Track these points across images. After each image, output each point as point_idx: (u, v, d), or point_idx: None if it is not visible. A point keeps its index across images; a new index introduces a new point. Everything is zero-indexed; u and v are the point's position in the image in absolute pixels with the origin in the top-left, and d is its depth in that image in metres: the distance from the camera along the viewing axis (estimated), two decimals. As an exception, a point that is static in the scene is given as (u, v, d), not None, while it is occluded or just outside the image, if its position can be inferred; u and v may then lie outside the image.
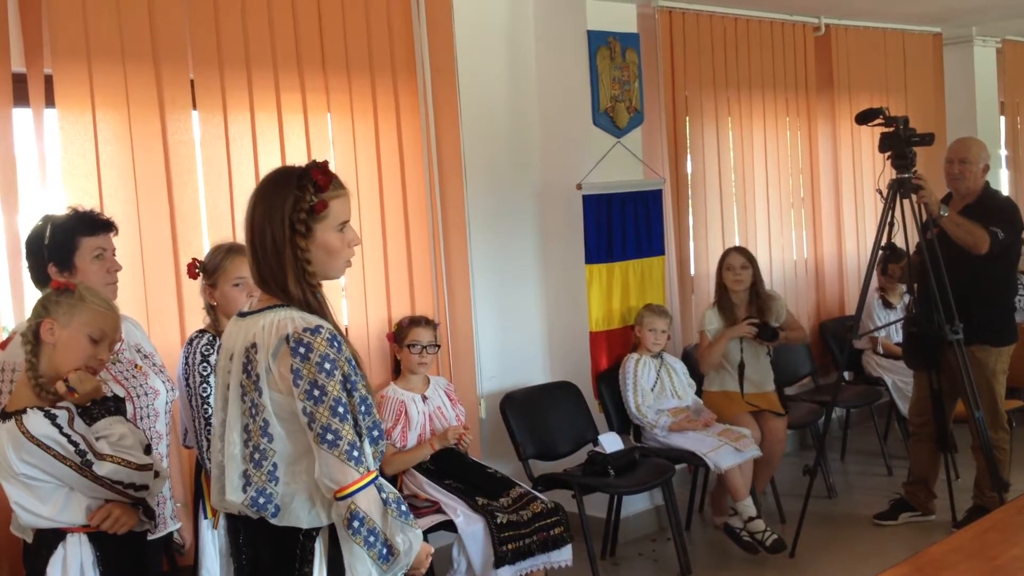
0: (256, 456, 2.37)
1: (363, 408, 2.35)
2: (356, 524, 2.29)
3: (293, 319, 2.34)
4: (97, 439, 2.76)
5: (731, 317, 5.47)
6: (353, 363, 2.38)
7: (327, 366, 2.29)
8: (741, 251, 5.62)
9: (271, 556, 2.45)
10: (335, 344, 2.32)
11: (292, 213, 2.36)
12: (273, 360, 2.32)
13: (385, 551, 2.33)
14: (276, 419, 2.35)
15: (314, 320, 2.35)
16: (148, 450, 2.86)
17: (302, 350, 2.29)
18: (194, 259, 3.63)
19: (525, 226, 5.56)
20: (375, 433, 2.43)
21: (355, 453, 2.29)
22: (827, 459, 6.04)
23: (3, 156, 3.76)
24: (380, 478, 2.37)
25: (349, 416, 2.30)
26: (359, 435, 2.32)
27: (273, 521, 2.40)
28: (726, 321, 5.47)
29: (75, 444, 2.71)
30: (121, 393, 3.08)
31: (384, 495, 2.35)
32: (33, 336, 2.80)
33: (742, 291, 5.50)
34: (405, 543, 2.36)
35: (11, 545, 3.41)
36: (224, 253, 3.56)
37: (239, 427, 2.40)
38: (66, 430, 2.72)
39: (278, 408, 2.34)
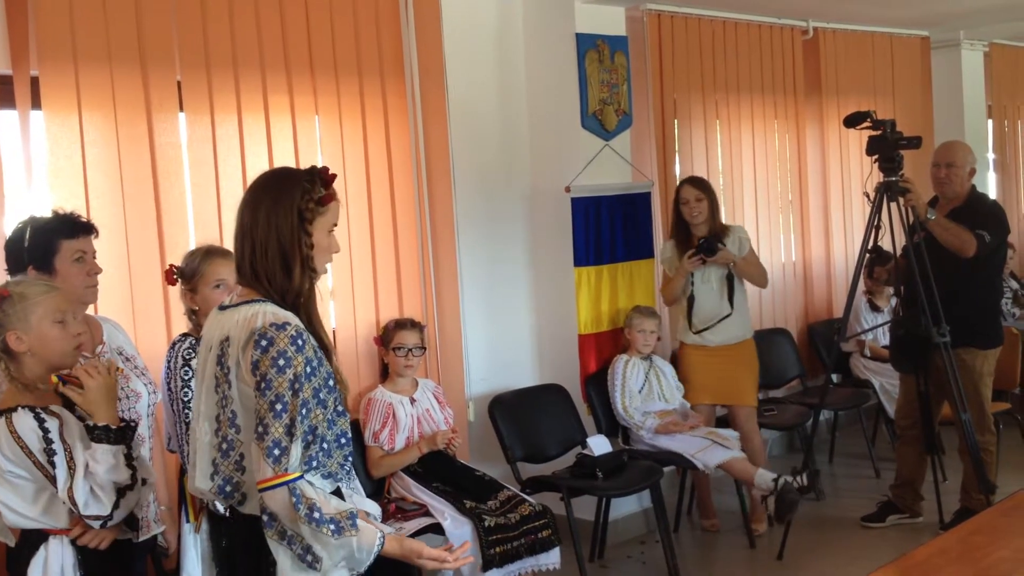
0: (224, 446, 2.45)
1: (304, 412, 2.36)
2: (266, 518, 2.36)
3: (265, 313, 2.40)
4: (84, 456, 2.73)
5: (685, 249, 5.36)
6: (315, 364, 2.40)
7: (280, 362, 2.34)
8: (695, 183, 5.44)
9: (242, 547, 2.51)
10: (296, 343, 2.36)
11: (301, 201, 2.43)
12: (242, 353, 2.39)
13: (305, 554, 2.34)
14: (243, 410, 2.41)
15: (283, 316, 2.40)
16: (127, 489, 2.78)
17: (264, 343, 2.35)
18: (171, 265, 3.60)
19: (514, 228, 5.56)
20: (332, 432, 2.46)
21: (275, 452, 2.33)
22: (815, 461, 6.05)
23: (-11, 158, 3.75)
24: (299, 483, 2.35)
25: (285, 415, 2.34)
26: (291, 436, 2.35)
27: (240, 509, 2.48)
28: (680, 253, 5.37)
29: (52, 453, 2.69)
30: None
31: (295, 499, 2.33)
32: (4, 352, 2.76)
33: (701, 224, 5.36)
34: (328, 554, 2.35)
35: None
36: (201, 257, 3.53)
37: (211, 417, 2.48)
38: (51, 435, 2.70)
39: (245, 399, 2.41)
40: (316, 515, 2.34)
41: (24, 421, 2.70)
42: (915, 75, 8.01)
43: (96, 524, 2.72)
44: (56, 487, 2.69)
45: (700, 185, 5.42)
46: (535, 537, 4.28)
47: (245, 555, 2.51)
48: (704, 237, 5.28)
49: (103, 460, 2.71)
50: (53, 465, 2.68)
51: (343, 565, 2.41)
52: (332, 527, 2.34)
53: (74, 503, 2.67)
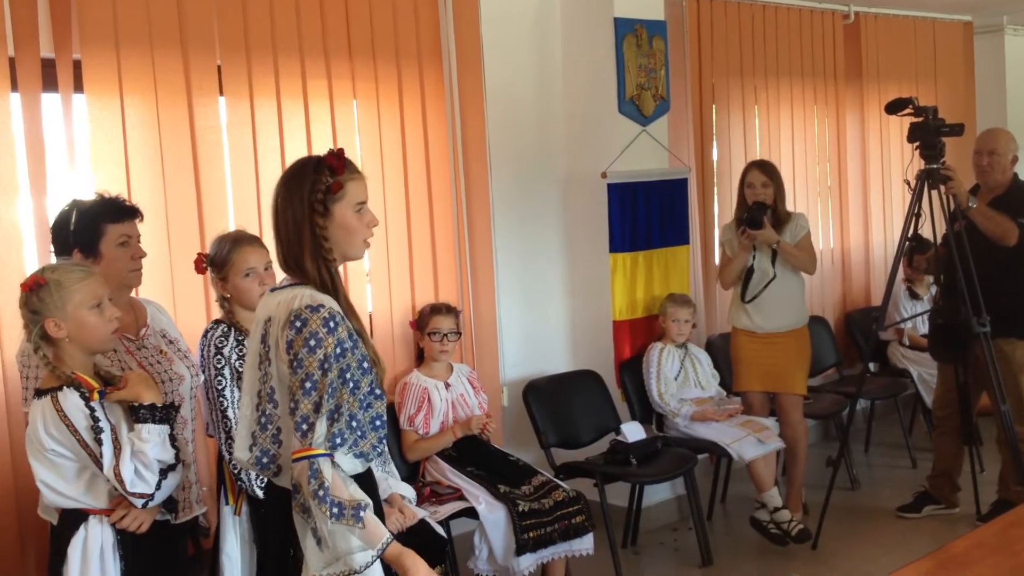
0: (262, 420, 2.59)
1: (331, 390, 2.48)
2: (292, 489, 2.49)
3: (303, 296, 2.53)
4: (129, 437, 2.76)
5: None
6: (346, 345, 2.52)
7: (312, 343, 2.47)
8: (763, 167, 5.32)
9: (276, 517, 2.64)
10: (329, 325, 2.49)
11: (310, 194, 2.56)
12: (281, 332, 2.52)
13: (315, 531, 2.44)
14: (280, 386, 2.55)
15: (319, 299, 2.53)
16: (171, 469, 2.82)
17: (298, 324, 2.48)
18: (200, 253, 3.62)
19: (549, 214, 5.55)
20: (367, 414, 2.57)
21: (303, 427, 2.47)
22: (851, 451, 6.02)
23: (32, 141, 3.78)
24: (320, 460, 2.45)
25: (314, 393, 2.47)
26: (317, 412, 2.47)
27: (275, 480, 2.64)
28: (738, 237, 5.28)
29: (99, 431, 2.72)
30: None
31: (311, 472, 2.43)
32: (44, 340, 2.79)
33: None
34: (332, 538, 2.42)
35: (38, 529, 3.45)
36: (230, 245, 3.52)
37: (253, 392, 2.62)
38: (97, 412, 2.74)
39: (282, 376, 2.54)
40: (321, 493, 2.43)
41: (70, 399, 2.73)
42: (957, 61, 7.90)
43: (139, 503, 2.75)
44: (100, 466, 2.72)
45: (767, 171, 5.28)
46: (568, 523, 4.29)
47: (277, 525, 2.65)
48: (750, 207, 5.20)
49: (149, 439, 2.75)
50: (100, 443, 2.71)
51: (361, 550, 2.46)
52: (334, 510, 2.42)
53: (120, 480, 2.71)
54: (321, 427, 2.47)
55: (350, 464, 2.58)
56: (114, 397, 2.82)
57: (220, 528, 3.44)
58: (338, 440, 2.51)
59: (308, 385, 2.47)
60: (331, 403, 2.49)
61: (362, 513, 2.45)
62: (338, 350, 2.50)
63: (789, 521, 5.04)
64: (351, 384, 2.53)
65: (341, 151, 2.63)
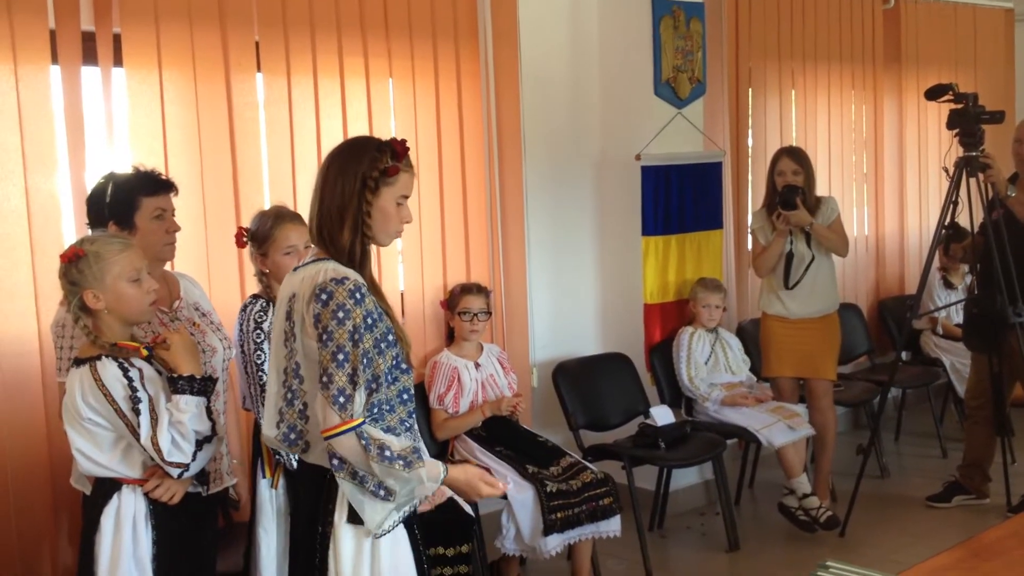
0: (289, 396, 2.60)
1: (365, 361, 2.49)
2: (335, 463, 2.50)
3: (326, 270, 2.53)
4: (167, 408, 2.79)
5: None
6: (375, 316, 2.53)
7: (340, 315, 2.46)
8: (793, 155, 5.27)
9: (306, 495, 2.68)
10: (355, 296, 2.49)
11: (367, 169, 2.57)
12: (306, 308, 2.52)
13: (378, 489, 2.51)
14: (306, 362, 2.55)
15: (343, 272, 2.53)
16: (206, 441, 2.84)
17: (324, 296, 2.48)
18: (241, 227, 3.64)
19: (582, 195, 5.54)
20: (395, 388, 2.59)
21: (340, 399, 2.47)
22: (881, 439, 5.99)
23: (71, 114, 3.82)
24: (364, 427, 2.49)
25: (347, 365, 2.47)
26: (354, 384, 2.47)
27: (303, 457, 2.64)
28: (771, 225, 5.24)
29: (137, 400, 2.75)
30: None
31: (364, 442, 2.47)
32: (83, 311, 2.81)
33: None
34: (400, 485, 2.52)
35: (71, 499, 3.49)
36: (273, 221, 3.53)
37: (279, 368, 2.63)
38: (135, 383, 2.77)
39: (308, 352, 2.54)
40: (387, 453, 2.48)
41: (109, 370, 2.76)
42: (998, 48, 7.80)
43: (176, 472, 2.77)
44: (136, 435, 2.74)
45: (798, 158, 5.23)
46: (596, 504, 4.29)
47: (307, 501, 2.67)
48: (782, 190, 5.15)
49: (187, 410, 2.77)
50: (137, 412, 2.73)
51: (413, 497, 2.57)
52: (402, 463, 2.49)
53: (158, 449, 2.73)
54: (359, 397, 2.48)
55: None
56: (160, 353, 2.85)
57: (256, 501, 3.47)
58: (375, 410, 2.53)
59: (341, 357, 2.46)
60: (367, 373, 2.50)
61: (421, 453, 2.56)
62: (368, 320, 2.50)
63: (818, 508, 5.02)
64: (382, 355, 2.54)
65: (405, 141, 2.65)
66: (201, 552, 3.03)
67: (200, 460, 2.83)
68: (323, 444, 2.51)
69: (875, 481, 5.71)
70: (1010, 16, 7.85)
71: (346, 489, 2.53)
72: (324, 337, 2.47)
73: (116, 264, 2.82)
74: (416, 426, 2.69)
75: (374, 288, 2.61)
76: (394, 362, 2.58)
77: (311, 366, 2.53)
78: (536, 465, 4.37)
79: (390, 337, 2.57)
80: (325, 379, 2.47)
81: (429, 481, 2.57)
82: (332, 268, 2.53)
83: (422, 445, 2.66)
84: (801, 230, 5.16)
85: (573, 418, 4.99)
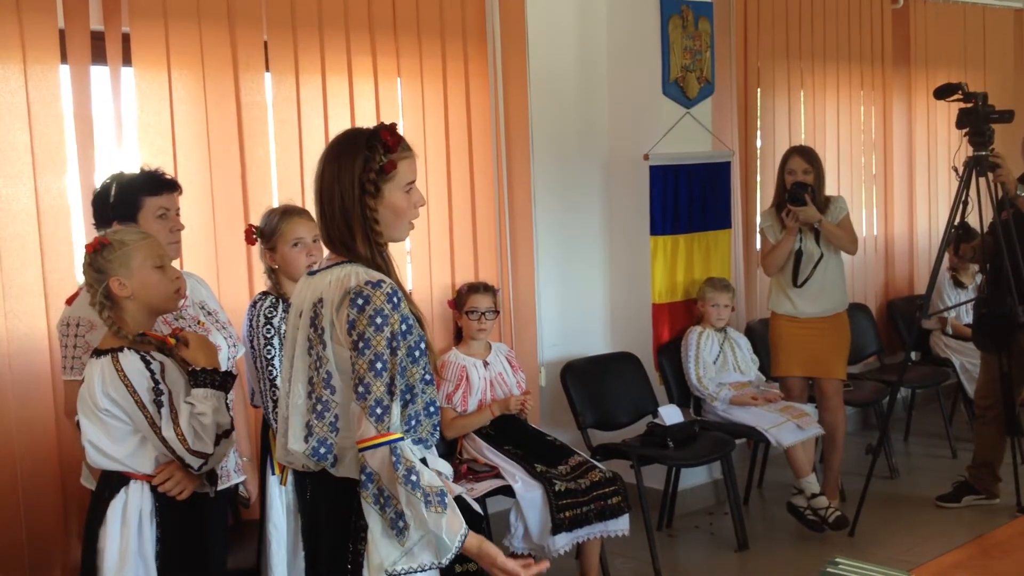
0: (319, 408, 2.42)
1: (402, 369, 2.36)
2: (363, 478, 2.33)
3: (357, 273, 2.39)
4: (186, 403, 2.79)
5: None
6: (410, 322, 2.40)
7: (378, 320, 2.32)
8: (804, 154, 5.24)
9: (331, 510, 2.49)
10: (392, 300, 2.35)
11: (362, 173, 2.40)
12: (336, 313, 2.37)
13: (397, 520, 2.32)
14: (337, 371, 2.40)
15: (377, 275, 2.39)
16: (225, 435, 2.83)
17: (360, 301, 2.33)
18: (250, 225, 3.67)
19: (590, 195, 5.53)
20: (422, 400, 2.44)
21: (378, 411, 2.32)
22: (890, 439, 5.97)
23: (80, 113, 3.83)
24: (401, 444, 2.33)
25: (385, 374, 2.33)
26: (391, 394, 2.34)
27: (332, 471, 2.45)
28: (780, 223, 5.22)
29: (159, 392, 2.75)
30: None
31: (395, 458, 2.31)
32: (108, 299, 2.80)
33: None
34: (415, 524, 2.32)
35: (80, 498, 3.50)
36: (279, 216, 3.57)
37: (304, 379, 2.46)
38: (157, 376, 2.76)
39: (339, 360, 2.39)
40: (414, 478, 2.32)
41: (131, 361, 2.75)
42: (1007, 48, 7.79)
43: (197, 463, 2.77)
44: (155, 428, 2.73)
45: (809, 157, 5.21)
46: (604, 503, 4.29)
47: (334, 517, 2.49)
48: (793, 185, 5.12)
49: (207, 402, 2.76)
50: (159, 405, 2.73)
51: (428, 547, 2.36)
52: (423, 497, 2.32)
53: (182, 439, 2.73)
54: (396, 409, 2.35)
55: (413, 450, 2.43)
56: (180, 351, 2.85)
57: (265, 498, 3.48)
58: (412, 422, 2.42)
59: (379, 366, 2.31)
60: (403, 383, 2.38)
61: (445, 499, 2.35)
62: (403, 327, 2.36)
63: (826, 508, 5.01)
64: (417, 363, 2.40)
65: (394, 125, 2.47)
66: (205, 551, 3.02)
67: (217, 455, 2.82)
68: (354, 453, 2.38)
69: (884, 481, 5.69)
70: (1019, 16, 7.84)
71: (366, 512, 2.35)
72: (360, 344, 2.32)
73: (140, 250, 2.83)
74: (437, 433, 2.55)
75: (405, 294, 2.44)
76: (424, 372, 2.46)
77: (343, 375, 2.39)
78: (544, 464, 4.36)
79: (422, 345, 2.44)
80: (361, 389, 2.32)
81: (447, 535, 2.33)
82: (363, 271, 2.39)
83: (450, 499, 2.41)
84: (810, 228, 5.15)
85: (581, 417, 4.99)
